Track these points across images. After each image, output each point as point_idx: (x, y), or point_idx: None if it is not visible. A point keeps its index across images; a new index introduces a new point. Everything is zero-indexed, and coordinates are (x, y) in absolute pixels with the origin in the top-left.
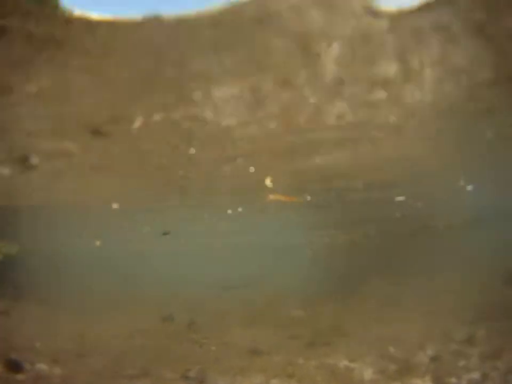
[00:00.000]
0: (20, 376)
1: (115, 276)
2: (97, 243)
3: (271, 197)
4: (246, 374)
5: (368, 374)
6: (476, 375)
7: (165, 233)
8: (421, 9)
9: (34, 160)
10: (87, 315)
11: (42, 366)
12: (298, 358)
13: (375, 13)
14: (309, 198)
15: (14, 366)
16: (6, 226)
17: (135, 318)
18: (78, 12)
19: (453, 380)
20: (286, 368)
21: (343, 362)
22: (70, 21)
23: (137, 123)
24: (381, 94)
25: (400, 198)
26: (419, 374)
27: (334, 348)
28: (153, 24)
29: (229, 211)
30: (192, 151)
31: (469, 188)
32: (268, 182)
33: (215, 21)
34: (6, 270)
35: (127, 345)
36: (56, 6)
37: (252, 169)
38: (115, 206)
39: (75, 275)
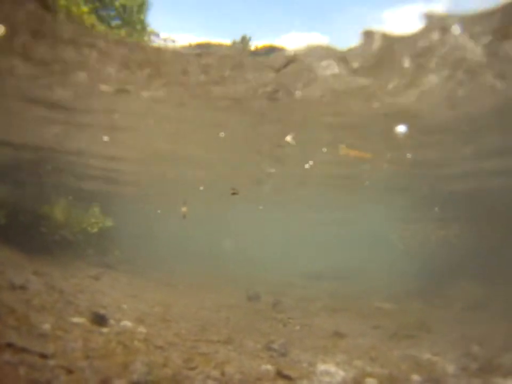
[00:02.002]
0: (104, 329)
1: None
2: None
3: (343, 151)
4: (329, 353)
5: (450, 369)
6: None
7: (233, 193)
8: None
9: None
10: (174, 288)
11: (127, 323)
12: (381, 345)
13: None
14: None
15: (100, 320)
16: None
17: (223, 295)
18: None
19: None
20: (369, 352)
21: (426, 355)
22: None
23: None
24: None
25: None
26: (502, 373)
27: (417, 341)
28: None
29: None
30: None
31: None
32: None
33: None
34: (100, 242)
35: (213, 317)
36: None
37: None
38: None
39: (166, 252)
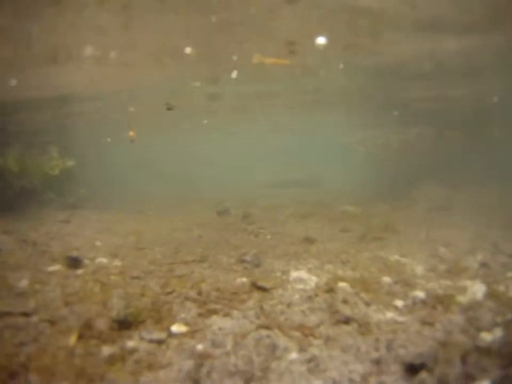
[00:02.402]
0: (79, 271)
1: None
2: None
3: (255, 59)
4: (301, 259)
5: (419, 270)
6: None
7: (169, 108)
8: None
9: None
10: (144, 215)
11: (102, 260)
12: (351, 248)
13: None
14: None
15: (74, 263)
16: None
17: (192, 214)
18: None
19: (501, 287)
20: (340, 256)
21: (395, 257)
22: None
23: None
24: None
25: None
26: (469, 276)
27: (385, 243)
28: None
29: None
30: None
31: None
32: None
33: None
34: (63, 184)
35: (185, 237)
36: None
37: None
38: None
39: (129, 179)
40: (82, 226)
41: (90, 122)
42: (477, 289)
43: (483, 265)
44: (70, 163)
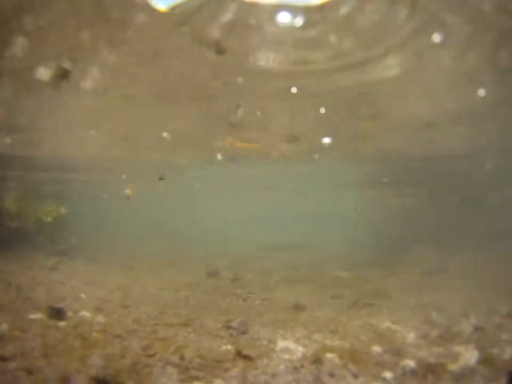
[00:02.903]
0: (61, 324)
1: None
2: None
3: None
4: (289, 328)
5: (410, 337)
6: None
7: (161, 178)
8: None
9: None
10: (133, 271)
11: (85, 314)
12: (341, 316)
13: None
14: None
15: (57, 314)
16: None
17: (181, 273)
18: None
19: (496, 350)
20: (329, 325)
21: (386, 324)
22: None
23: None
24: None
25: None
26: (462, 341)
27: (377, 310)
28: None
29: None
30: None
31: None
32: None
33: None
34: (55, 231)
35: (172, 298)
36: None
37: None
38: None
39: (121, 234)
40: (69, 276)
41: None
42: (470, 356)
43: (477, 328)
44: (62, 210)
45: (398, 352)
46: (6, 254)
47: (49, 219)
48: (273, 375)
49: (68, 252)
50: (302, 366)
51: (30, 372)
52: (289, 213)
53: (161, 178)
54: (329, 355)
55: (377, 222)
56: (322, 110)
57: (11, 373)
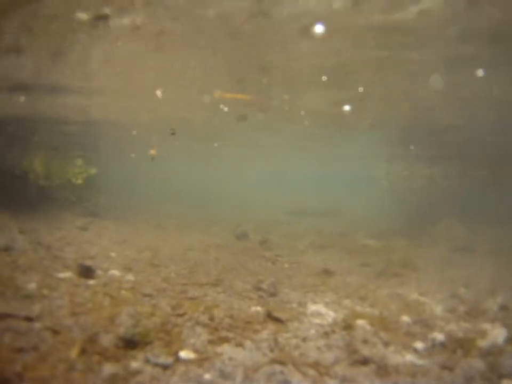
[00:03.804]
0: (91, 282)
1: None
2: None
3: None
4: (318, 292)
5: (438, 310)
6: None
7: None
8: None
9: None
10: (162, 231)
11: (114, 273)
12: (370, 284)
13: None
14: None
15: (86, 272)
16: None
17: (210, 235)
18: None
19: None
20: (358, 291)
21: (414, 295)
22: None
23: None
24: None
25: None
26: (488, 319)
27: (405, 280)
28: None
29: None
30: None
31: None
32: None
33: None
34: (85, 190)
35: (201, 258)
36: None
37: None
38: None
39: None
40: (99, 236)
41: (115, 139)
42: (498, 334)
43: (503, 307)
44: (92, 170)
45: (427, 324)
46: (36, 215)
47: (80, 180)
48: (304, 339)
49: (97, 211)
50: (333, 331)
51: (56, 332)
52: (317, 179)
53: (172, 134)
54: (360, 321)
55: (406, 193)
56: None
57: (36, 333)
